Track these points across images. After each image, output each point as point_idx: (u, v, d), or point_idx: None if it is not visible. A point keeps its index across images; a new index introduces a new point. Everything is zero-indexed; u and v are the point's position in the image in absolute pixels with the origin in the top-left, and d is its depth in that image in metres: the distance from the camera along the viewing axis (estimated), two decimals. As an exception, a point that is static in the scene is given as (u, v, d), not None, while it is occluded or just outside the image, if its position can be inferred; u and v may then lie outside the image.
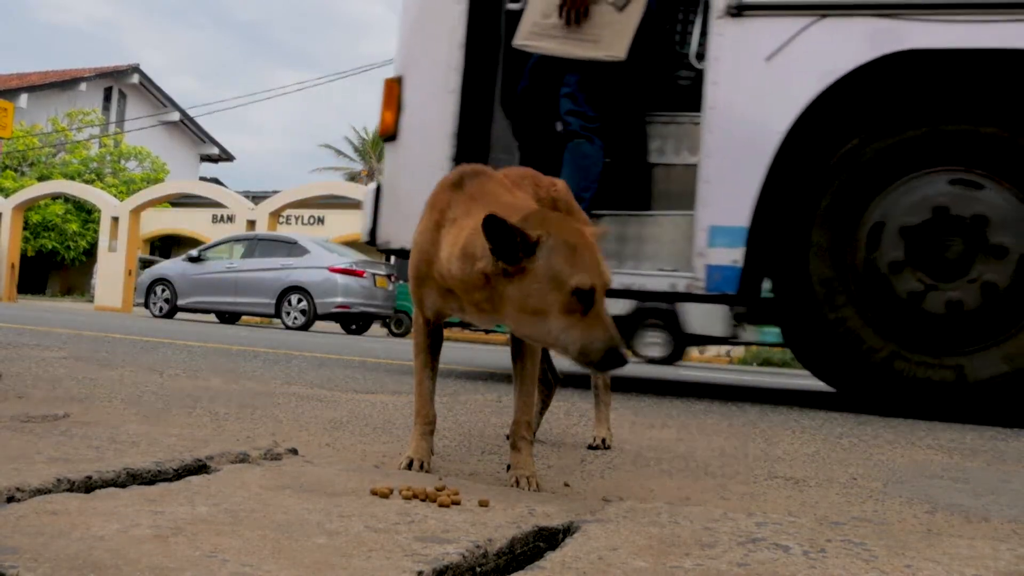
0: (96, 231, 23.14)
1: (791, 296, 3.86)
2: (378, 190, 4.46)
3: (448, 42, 4.22)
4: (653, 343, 13.63)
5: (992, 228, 3.52)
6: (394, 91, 4.34)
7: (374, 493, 1.19)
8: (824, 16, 3.66)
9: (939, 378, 3.58)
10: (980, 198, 3.55)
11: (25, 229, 24.58)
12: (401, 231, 4.32)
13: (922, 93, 3.70)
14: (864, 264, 3.71)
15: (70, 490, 1.09)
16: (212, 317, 15.69)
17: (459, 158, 4.17)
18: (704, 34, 3.87)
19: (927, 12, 3.56)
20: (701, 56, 3.87)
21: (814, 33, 3.66)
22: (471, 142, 4.27)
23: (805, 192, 3.82)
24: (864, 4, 3.62)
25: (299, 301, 14.63)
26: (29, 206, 23.77)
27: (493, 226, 1.25)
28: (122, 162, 28.37)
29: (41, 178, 25.86)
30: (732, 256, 3.71)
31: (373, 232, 4.46)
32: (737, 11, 3.72)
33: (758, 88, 3.71)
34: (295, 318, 14.59)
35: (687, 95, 4.30)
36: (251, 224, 20.49)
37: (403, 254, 4.43)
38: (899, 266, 3.62)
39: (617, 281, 3.86)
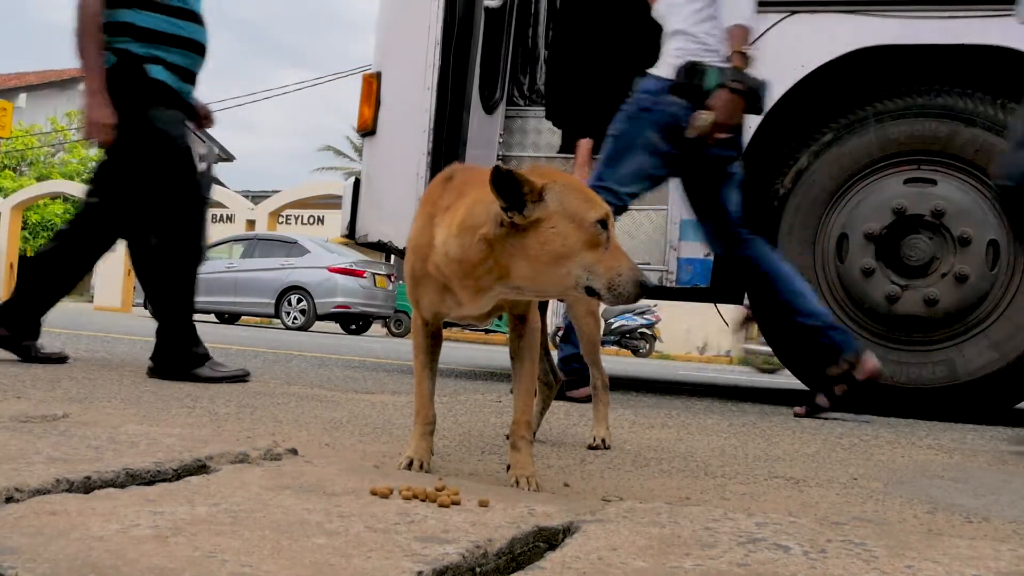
0: (95, 231, 23.08)
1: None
2: (356, 184, 4.48)
3: (425, 39, 4.26)
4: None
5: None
6: (372, 87, 4.39)
7: (374, 493, 1.19)
8: (794, 12, 3.71)
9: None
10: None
11: (24, 229, 24.56)
12: (378, 224, 4.35)
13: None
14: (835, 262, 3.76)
15: (69, 490, 1.09)
16: (212, 317, 15.68)
17: (435, 153, 4.21)
18: None
19: (895, 8, 3.62)
20: None
21: (784, 28, 3.71)
22: (447, 138, 4.30)
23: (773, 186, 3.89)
24: (832, 0, 3.66)
25: (299, 301, 14.62)
26: (28, 206, 23.75)
27: (500, 178, 1.24)
28: (121, 162, 28.32)
29: (40, 178, 25.84)
30: (704, 249, 3.77)
31: (352, 226, 4.48)
32: None
33: None
34: (295, 318, 14.59)
35: None
36: (251, 224, 20.47)
37: (379, 247, 4.46)
38: (870, 271, 3.67)
39: None
